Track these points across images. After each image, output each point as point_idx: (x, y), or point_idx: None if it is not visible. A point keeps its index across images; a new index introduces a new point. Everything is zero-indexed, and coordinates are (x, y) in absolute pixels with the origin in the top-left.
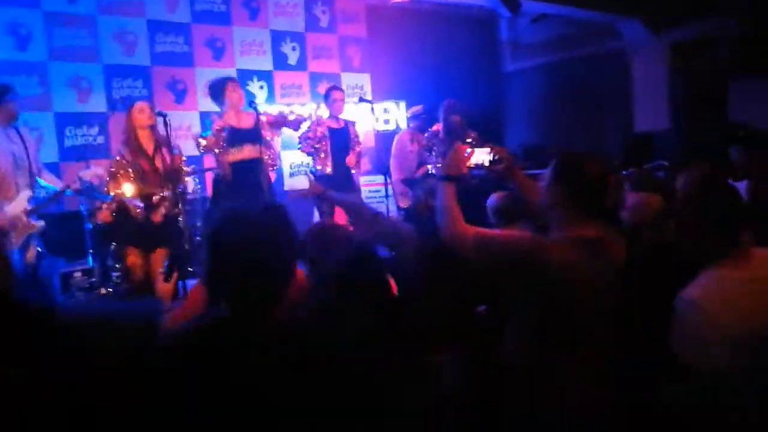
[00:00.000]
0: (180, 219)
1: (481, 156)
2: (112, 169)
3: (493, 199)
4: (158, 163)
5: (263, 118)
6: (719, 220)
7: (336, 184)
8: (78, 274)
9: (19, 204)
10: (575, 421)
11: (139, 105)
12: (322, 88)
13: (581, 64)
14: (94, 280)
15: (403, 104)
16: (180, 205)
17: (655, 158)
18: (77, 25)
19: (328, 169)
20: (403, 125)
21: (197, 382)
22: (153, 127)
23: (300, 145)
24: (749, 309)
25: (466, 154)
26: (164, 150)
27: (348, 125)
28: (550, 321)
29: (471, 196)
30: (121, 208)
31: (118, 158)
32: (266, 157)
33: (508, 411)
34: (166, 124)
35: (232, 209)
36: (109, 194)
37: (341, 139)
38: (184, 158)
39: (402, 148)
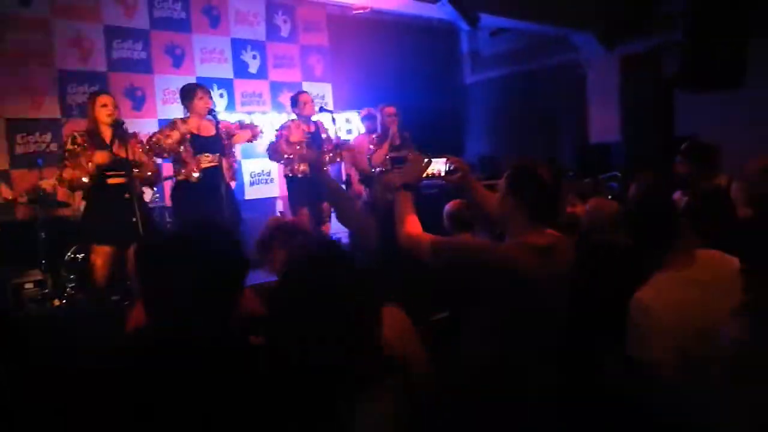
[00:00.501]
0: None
1: (437, 166)
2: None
3: (448, 206)
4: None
5: (225, 129)
6: (660, 227)
7: (313, 185)
8: (29, 285)
9: None
10: (532, 412)
11: (103, 98)
12: (283, 98)
13: (538, 77)
14: (47, 291)
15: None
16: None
17: (609, 169)
18: (31, 29)
19: (303, 172)
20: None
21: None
22: (115, 126)
23: (268, 153)
24: (690, 307)
25: (423, 164)
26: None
27: (319, 126)
28: (504, 323)
29: (431, 205)
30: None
31: (72, 144)
32: (226, 166)
33: (469, 407)
34: (124, 131)
35: (170, 231)
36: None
37: (314, 141)
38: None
39: (357, 150)
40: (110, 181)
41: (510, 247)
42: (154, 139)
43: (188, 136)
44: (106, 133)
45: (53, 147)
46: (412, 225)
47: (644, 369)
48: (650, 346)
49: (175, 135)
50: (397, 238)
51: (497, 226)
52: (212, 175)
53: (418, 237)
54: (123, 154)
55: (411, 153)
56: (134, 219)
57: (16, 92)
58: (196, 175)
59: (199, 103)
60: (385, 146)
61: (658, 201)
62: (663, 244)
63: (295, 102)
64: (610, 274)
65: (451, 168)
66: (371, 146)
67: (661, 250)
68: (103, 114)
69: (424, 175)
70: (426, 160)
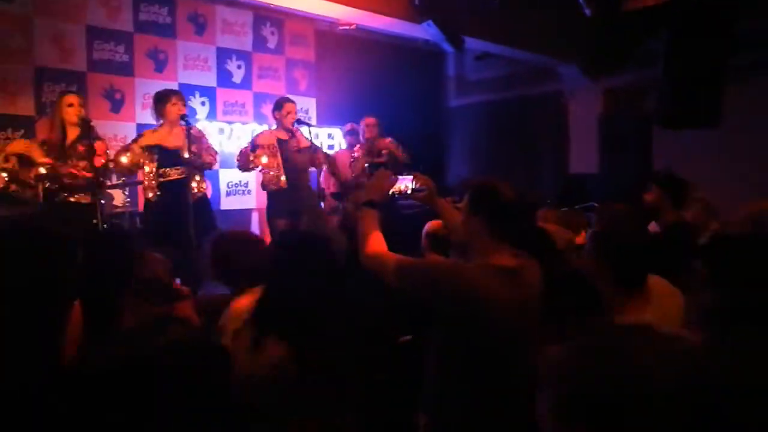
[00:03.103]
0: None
1: (405, 183)
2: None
3: (428, 226)
4: (80, 165)
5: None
6: (618, 264)
7: (292, 197)
8: None
9: None
10: None
11: (69, 98)
12: (266, 109)
13: (522, 104)
14: None
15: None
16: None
17: (587, 199)
18: (10, 25)
19: (282, 183)
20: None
21: None
22: (81, 126)
23: (239, 163)
24: None
25: (388, 181)
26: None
27: (294, 133)
28: (468, 346)
29: (411, 224)
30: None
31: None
32: (197, 177)
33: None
34: (90, 129)
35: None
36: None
37: (292, 151)
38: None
39: (336, 165)
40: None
41: (474, 269)
42: (111, 164)
43: (154, 151)
44: (72, 133)
45: None
46: (375, 244)
47: None
48: None
49: (130, 156)
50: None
51: (462, 247)
52: (179, 186)
53: (382, 257)
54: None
55: (379, 169)
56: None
57: None
58: (150, 195)
59: (172, 109)
60: (363, 159)
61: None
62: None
63: (279, 107)
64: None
65: (417, 186)
66: (353, 156)
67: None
68: (71, 113)
69: (390, 192)
70: (392, 176)
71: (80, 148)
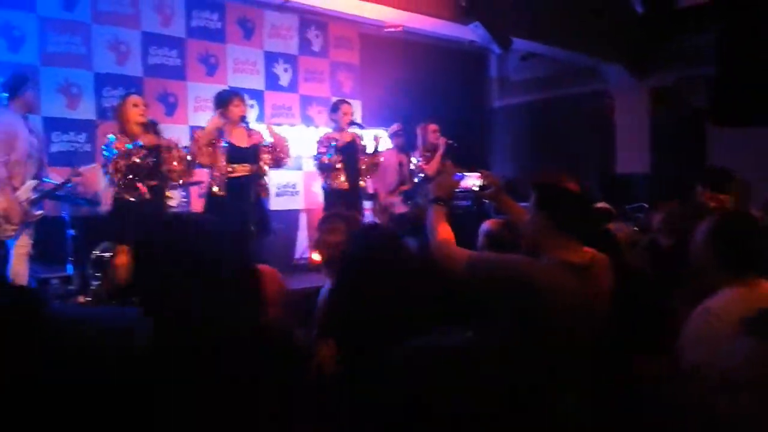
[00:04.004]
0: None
1: (470, 181)
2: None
3: (487, 224)
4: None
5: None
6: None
7: (349, 199)
8: (55, 281)
9: (24, 192)
10: None
11: (133, 98)
12: (311, 111)
13: (565, 104)
14: (72, 287)
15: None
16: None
17: (635, 200)
18: (71, 32)
19: (344, 184)
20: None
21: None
22: (146, 127)
23: (316, 162)
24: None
25: (456, 178)
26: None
27: (355, 138)
28: (536, 343)
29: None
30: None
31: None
32: (265, 168)
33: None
34: (157, 132)
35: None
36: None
37: (352, 152)
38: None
39: (385, 166)
40: (138, 184)
41: (544, 265)
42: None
43: (220, 142)
44: (138, 134)
45: (87, 147)
46: (446, 235)
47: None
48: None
49: (209, 128)
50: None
51: (528, 245)
52: (243, 184)
53: (453, 248)
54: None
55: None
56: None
57: (54, 92)
58: (216, 189)
59: (235, 110)
60: (438, 157)
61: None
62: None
63: (336, 109)
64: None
65: (485, 183)
66: (420, 159)
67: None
68: (135, 114)
69: (457, 189)
70: (459, 174)
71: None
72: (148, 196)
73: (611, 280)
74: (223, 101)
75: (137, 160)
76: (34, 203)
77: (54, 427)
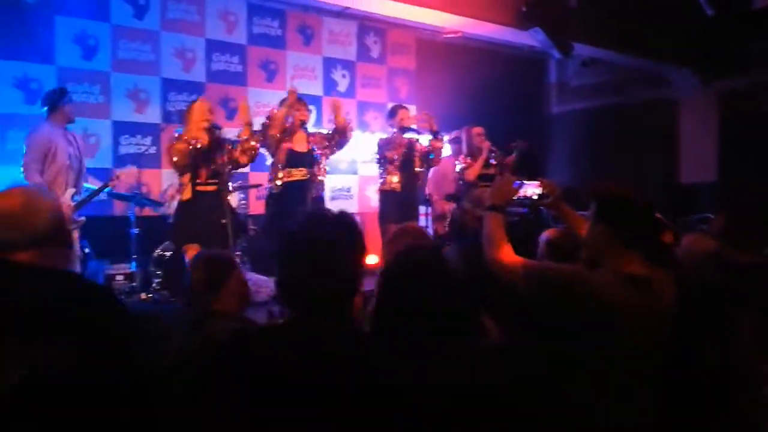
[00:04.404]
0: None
1: (529, 189)
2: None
3: (548, 233)
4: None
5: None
6: None
7: (404, 202)
8: (120, 278)
9: (65, 200)
10: None
11: (200, 103)
12: (368, 116)
13: (627, 110)
14: (135, 284)
15: (446, 137)
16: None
17: (701, 210)
18: (141, 40)
19: (397, 186)
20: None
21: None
22: (210, 130)
23: (377, 154)
24: None
25: (514, 185)
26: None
27: (411, 142)
28: (594, 357)
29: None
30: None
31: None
32: (318, 177)
33: None
34: (220, 135)
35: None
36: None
37: (408, 156)
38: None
39: (442, 172)
40: (200, 188)
41: (605, 276)
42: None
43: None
44: (203, 137)
45: (152, 150)
46: (503, 247)
47: None
48: None
49: (280, 115)
50: (483, 262)
51: (589, 256)
52: (300, 188)
53: (511, 259)
54: (219, 160)
55: (503, 174)
56: (224, 221)
57: (123, 97)
58: (275, 190)
59: (296, 115)
60: (480, 162)
61: None
62: None
63: (393, 114)
64: (704, 315)
65: (544, 192)
66: (463, 164)
67: None
68: (202, 117)
69: (515, 197)
70: (517, 182)
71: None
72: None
73: (673, 295)
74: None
75: (198, 146)
76: (75, 210)
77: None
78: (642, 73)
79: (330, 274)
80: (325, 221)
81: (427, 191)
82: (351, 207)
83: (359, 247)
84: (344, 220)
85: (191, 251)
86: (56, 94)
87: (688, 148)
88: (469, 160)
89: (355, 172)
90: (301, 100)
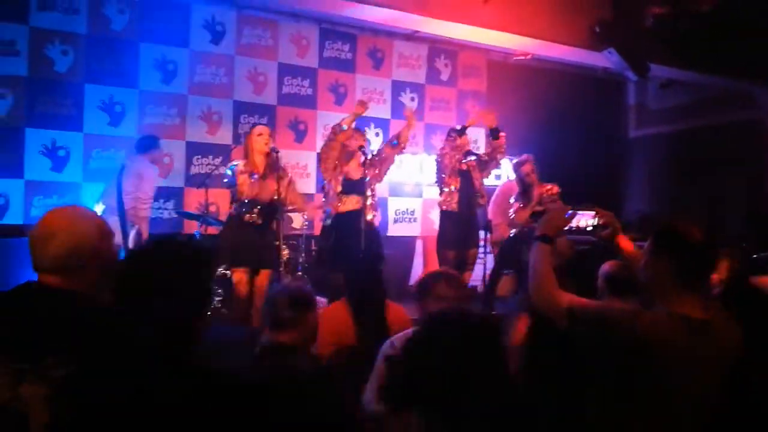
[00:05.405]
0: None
1: (584, 219)
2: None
3: (606, 266)
4: (267, 188)
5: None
6: None
7: (466, 227)
8: None
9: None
10: None
11: (259, 128)
12: (435, 139)
13: (711, 134)
14: None
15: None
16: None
17: None
18: (217, 64)
19: (455, 206)
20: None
21: None
22: (268, 155)
23: (439, 159)
24: None
25: (566, 215)
26: (275, 179)
27: (470, 166)
28: (639, 402)
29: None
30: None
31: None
32: (369, 203)
33: None
34: (277, 159)
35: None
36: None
37: (467, 180)
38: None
39: (505, 196)
40: (246, 218)
41: (656, 317)
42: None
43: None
44: (260, 163)
45: (222, 170)
46: (547, 281)
47: None
48: None
49: (336, 146)
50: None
51: (645, 292)
52: (355, 217)
53: (554, 295)
54: (274, 187)
55: (554, 203)
56: (276, 243)
57: (197, 118)
58: (328, 221)
59: (350, 142)
60: (531, 206)
61: None
62: None
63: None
64: None
65: (600, 223)
66: (514, 207)
67: None
68: (260, 143)
69: (567, 227)
70: (570, 211)
71: (270, 174)
72: (258, 221)
73: (737, 340)
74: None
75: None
76: None
77: None
78: (726, 94)
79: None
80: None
81: (489, 214)
82: (414, 230)
83: None
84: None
85: (237, 273)
86: (148, 141)
87: None
88: (518, 204)
89: (420, 195)
90: (358, 132)
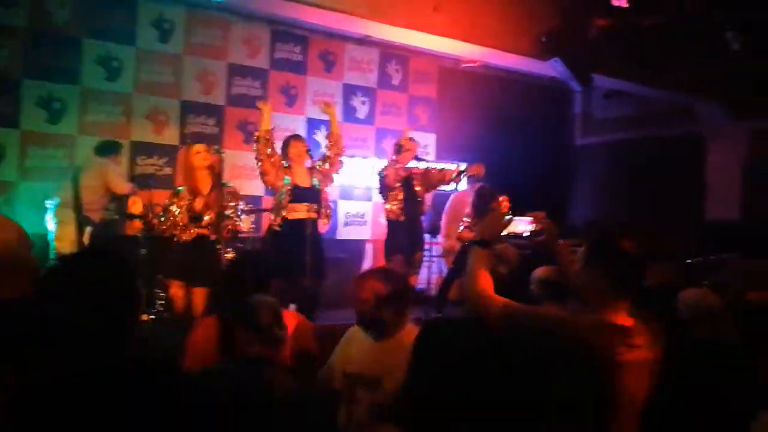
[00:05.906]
0: (220, 259)
1: (521, 225)
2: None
3: (540, 271)
4: (212, 202)
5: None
6: None
7: (411, 233)
8: None
9: None
10: None
11: (196, 147)
12: (386, 143)
13: (654, 144)
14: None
15: (464, 166)
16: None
17: (727, 250)
18: (164, 63)
19: (400, 215)
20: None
21: None
22: (211, 167)
23: (381, 176)
24: None
25: (504, 221)
26: (218, 190)
27: (412, 173)
28: (568, 407)
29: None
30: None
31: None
32: (322, 210)
33: None
34: (221, 161)
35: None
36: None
37: (409, 188)
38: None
39: (457, 207)
40: (192, 232)
41: (586, 324)
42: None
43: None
44: (204, 178)
45: (167, 170)
46: (483, 283)
47: None
48: None
49: (273, 162)
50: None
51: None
52: (303, 225)
53: (489, 296)
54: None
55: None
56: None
57: (143, 118)
58: (276, 227)
59: (292, 152)
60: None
61: None
62: None
63: (400, 146)
64: (714, 373)
65: (537, 229)
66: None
67: None
68: (199, 159)
69: (504, 233)
70: (507, 217)
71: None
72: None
73: (657, 346)
74: (283, 146)
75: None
76: None
77: None
78: (667, 107)
79: None
80: None
81: (441, 224)
82: (364, 234)
83: None
84: None
85: (172, 288)
86: None
87: (713, 186)
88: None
89: (369, 199)
90: (298, 139)
